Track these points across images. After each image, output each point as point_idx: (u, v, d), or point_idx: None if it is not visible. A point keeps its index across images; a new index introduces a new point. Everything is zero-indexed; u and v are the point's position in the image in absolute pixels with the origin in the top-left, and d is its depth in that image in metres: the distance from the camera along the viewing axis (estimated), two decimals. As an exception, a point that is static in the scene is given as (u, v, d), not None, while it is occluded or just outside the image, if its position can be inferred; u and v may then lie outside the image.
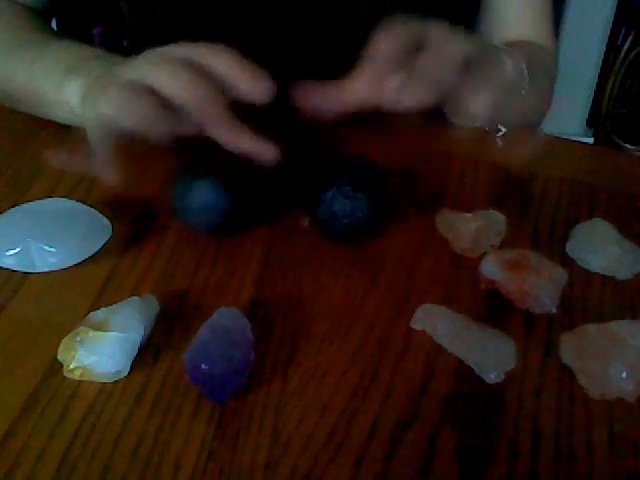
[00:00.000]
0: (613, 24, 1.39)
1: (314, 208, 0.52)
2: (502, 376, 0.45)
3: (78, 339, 0.44)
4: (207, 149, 0.53)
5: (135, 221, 0.56)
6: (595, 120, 1.49)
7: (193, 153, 0.53)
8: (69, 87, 0.55)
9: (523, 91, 0.61)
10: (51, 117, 0.62)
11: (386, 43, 0.46)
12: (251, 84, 0.47)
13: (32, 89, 0.60)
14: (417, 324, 0.48)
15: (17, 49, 0.62)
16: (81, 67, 0.55)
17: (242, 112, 0.48)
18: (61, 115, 0.59)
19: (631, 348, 0.44)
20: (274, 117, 0.51)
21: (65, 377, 0.44)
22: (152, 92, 0.47)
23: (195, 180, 0.51)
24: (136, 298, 0.47)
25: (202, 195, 0.51)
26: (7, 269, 0.51)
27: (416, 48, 0.47)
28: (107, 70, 0.52)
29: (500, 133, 0.65)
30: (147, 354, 0.45)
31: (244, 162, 0.52)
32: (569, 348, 0.46)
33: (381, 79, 0.47)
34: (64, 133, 0.65)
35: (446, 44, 0.47)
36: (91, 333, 0.44)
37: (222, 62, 0.47)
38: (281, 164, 0.49)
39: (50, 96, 0.58)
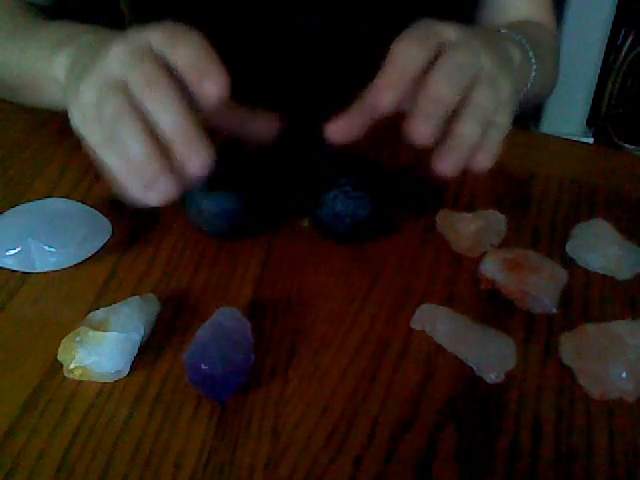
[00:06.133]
0: (613, 24, 1.39)
1: (315, 209, 0.52)
2: (502, 376, 0.45)
3: (78, 339, 0.44)
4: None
5: (135, 221, 0.56)
6: (595, 120, 1.49)
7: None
8: (57, 60, 0.54)
9: (532, 73, 0.60)
10: (45, 101, 0.61)
11: (404, 57, 0.46)
12: (205, 88, 0.45)
13: (25, 71, 0.59)
14: (417, 324, 0.48)
15: (14, 33, 0.62)
16: (70, 40, 0.54)
17: None
18: (52, 92, 0.57)
19: (631, 348, 0.44)
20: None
21: (65, 377, 0.44)
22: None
23: (208, 185, 0.51)
24: (136, 298, 0.47)
25: (217, 200, 0.51)
26: (7, 269, 0.51)
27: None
28: (94, 43, 0.51)
29: None
30: (147, 354, 0.45)
31: (251, 167, 0.52)
32: (569, 348, 0.46)
33: (399, 91, 0.46)
34: (64, 133, 0.65)
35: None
36: (91, 333, 0.44)
37: (182, 57, 0.45)
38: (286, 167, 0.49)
39: (41, 74, 0.56)
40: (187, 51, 0.46)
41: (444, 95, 0.45)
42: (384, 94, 0.45)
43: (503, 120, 0.48)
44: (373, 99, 0.46)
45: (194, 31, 0.47)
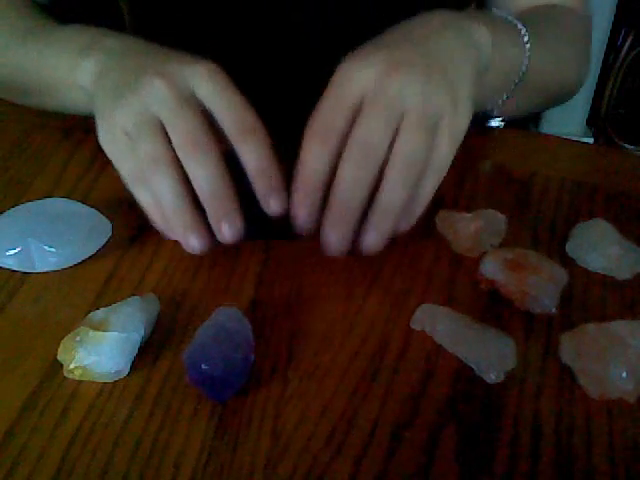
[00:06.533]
0: (613, 24, 1.39)
1: None
2: (502, 376, 0.45)
3: (78, 339, 0.44)
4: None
5: (135, 221, 0.55)
6: (595, 120, 1.49)
7: None
8: (83, 65, 0.53)
9: (525, 54, 0.56)
10: (65, 105, 0.61)
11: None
12: (265, 194, 0.47)
13: (44, 75, 0.58)
14: (417, 324, 0.48)
15: (28, 36, 0.61)
16: (94, 44, 0.54)
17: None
18: (74, 98, 0.57)
19: (631, 348, 0.44)
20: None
21: (65, 377, 0.44)
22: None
23: None
24: (136, 297, 0.47)
25: None
26: (7, 269, 0.51)
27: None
28: (123, 51, 0.52)
29: (495, 125, 0.64)
30: (147, 354, 0.45)
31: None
32: (569, 348, 0.46)
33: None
34: (64, 133, 0.65)
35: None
36: (91, 333, 0.44)
37: (230, 120, 0.47)
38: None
39: (63, 79, 0.56)
40: (234, 113, 0.47)
41: (349, 200, 0.44)
42: (299, 215, 0.46)
43: (445, 152, 0.46)
44: (292, 213, 0.46)
45: (233, 78, 0.48)
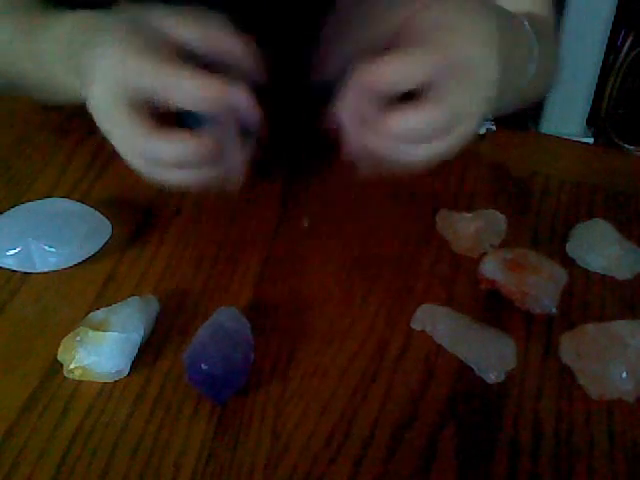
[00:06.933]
0: (613, 25, 1.39)
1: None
2: (502, 376, 0.45)
3: (78, 339, 0.44)
4: None
5: (135, 221, 0.56)
6: (595, 120, 1.49)
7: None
8: (74, 76, 0.53)
9: (532, 70, 0.55)
10: (71, 102, 0.61)
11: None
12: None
13: (51, 80, 0.58)
14: (417, 324, 0.48)
15: (25, 28, 0.61)
16: (79, 45, 0.54)
17: None
18: (74, 99, 0.58)
19: (631, 348, 0.44)
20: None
21: (65, 377, 0.44)
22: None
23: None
24: (136, 298, 0.47)
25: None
26: (7, 269, 0.51)
27: None
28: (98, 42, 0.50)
29: (485, 129, 0.64)
30: (147, 354, 0.45)
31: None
32: (569, 348, 0.46)
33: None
34: (64, 133, 0.65)
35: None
36: (91, 333, 0.44)
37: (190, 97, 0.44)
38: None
39: (65, 83, 0.56)
40: (155, 81, 0.45)
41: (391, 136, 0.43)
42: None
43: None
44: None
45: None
